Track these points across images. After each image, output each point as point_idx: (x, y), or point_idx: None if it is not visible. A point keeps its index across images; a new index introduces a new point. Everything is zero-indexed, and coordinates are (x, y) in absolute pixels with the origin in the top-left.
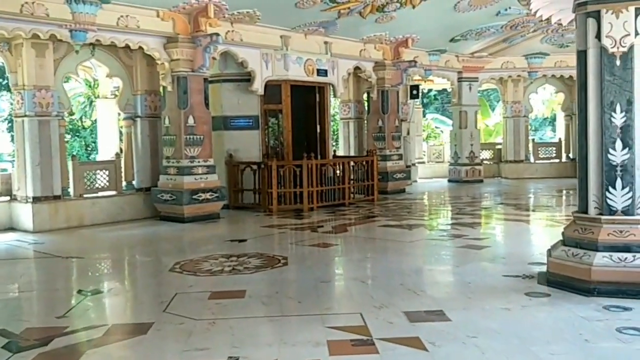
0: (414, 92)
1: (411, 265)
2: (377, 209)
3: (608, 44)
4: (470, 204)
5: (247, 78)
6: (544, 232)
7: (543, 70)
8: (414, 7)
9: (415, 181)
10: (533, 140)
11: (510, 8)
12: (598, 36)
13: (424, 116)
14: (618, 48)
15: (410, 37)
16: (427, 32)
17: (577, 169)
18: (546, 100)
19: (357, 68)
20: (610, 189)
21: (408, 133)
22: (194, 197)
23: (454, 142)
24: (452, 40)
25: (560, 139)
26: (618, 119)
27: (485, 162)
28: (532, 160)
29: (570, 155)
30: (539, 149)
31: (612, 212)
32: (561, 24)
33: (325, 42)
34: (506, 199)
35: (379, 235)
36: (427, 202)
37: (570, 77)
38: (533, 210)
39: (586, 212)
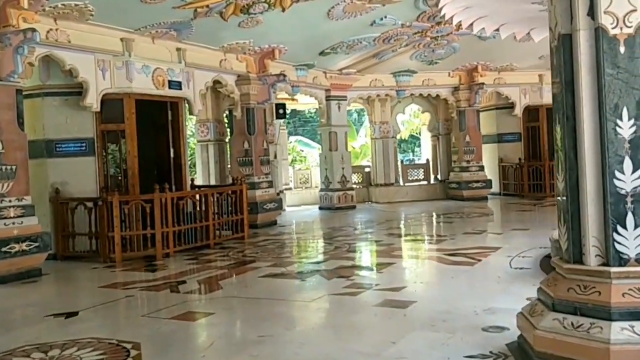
0: (280, 111)
1: (327, 350)
2: (251, 250)
3: (608, 23)
4: (356, 236)
5: (78, 91)
6: (461, 271)
7: (411, 88)
8: (283, 9)
9: (284, 210)
10: (402, 162)
11: (385, 17)
12: (591, 13)
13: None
14: (622, 29)
15: (277, 47)
16: (295, 43)
17: (563, 201)
18: (405, 121)
19: (216, 82)
20: (619, 228)
21: (275, 157)
22: (3, 249)
23: (324, 166)
24: (321, 53)
25: (428, 160)
26: (626, 128)
27: (354, 186)
28: (401, 183)
29: (439, 176)
30: (408, 171)
31: (624, 261)
32: (436, 38)
33: (178, 49)
34: (390, 227)
35: (265, 293)
36: (307, 236)
37: (437, 95)
38: (430, 242)
39: (581, 262)
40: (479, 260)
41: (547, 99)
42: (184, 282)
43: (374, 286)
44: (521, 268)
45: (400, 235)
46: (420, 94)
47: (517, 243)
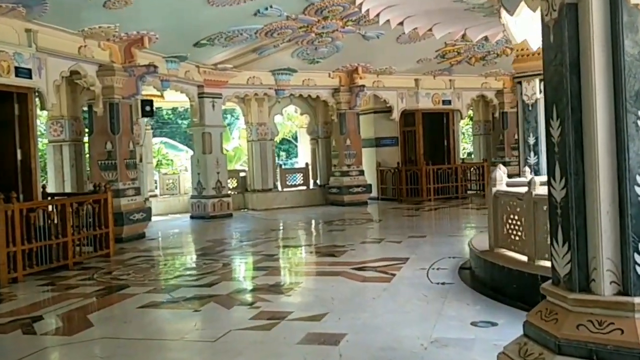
0: (147, 108)
1: None
2: (121, 270)
3: None
4: (244, 250)
5: None
6: (380, 289)
7: (290, 88)
8: None
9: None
10: (280, 166)
11: (271, 7)
12: None
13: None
14: None
15: (148, 34)
16: (168, 31)
17: (561, 214)
18: (279, 124)
19: (74, 72)
20: None
21: (140, 160)
22: None
23: (196, 171)
24: (197, 44)
25: (307, 164)
26: None
27: (230, 192)
28: (280, 188)
29: (318, 181)
30: (287, 175)
31: None
32: (321, 34)
33: (28, 30)
34: (279, 238)
35: (151, 331)
36: (186, 251)
37: (317, 97)
38: (330, 254)
39: (589, 290)
40: (393, 275)
41: (423, 103)
42: (39, 318)
43: (287, 315)
44: (443, 283)
45: (294, 248)
46: (300, 95)
47: (423, 252)
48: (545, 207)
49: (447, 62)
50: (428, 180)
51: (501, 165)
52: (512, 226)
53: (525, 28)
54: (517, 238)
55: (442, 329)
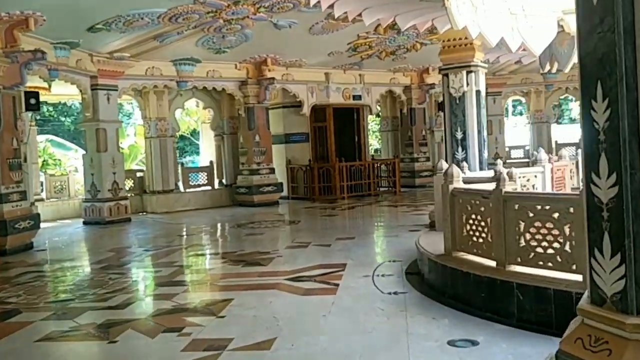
0: (32, 101)
1: None
2: (8, 291)
3: None
4: (155, 260)
5: None
6: (327, 304)
7: (194, 80)
8: None
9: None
10: (182, 165)
11: None
12: None
13: None
14: None
15: (33, 15)
16: (57, 11)
17: (608, 217)
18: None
19: None
20: None
21: (25, 160)
22: None
23: (90, 171)
24: (91, 29)
25: (211, 162)
26: None
27: (127, 195)
28: (182, 189)
29: (224, 181)
30: (190, 175)
31: None
32: (230, 21)
33: None
34: (190, 245)
35: None
36: (85, 263)
37: (223, 90)
38: (255, 263)
39: (627, 311)
40: (336, 285)
41: (334, 98)
42: None
43: (228, 344)
44: (395, 292)
45: (211, 256)
46: (205, 87)
47: (359, 257)
48: (517, 206)
49: (358, 55)
50: (341, 178)
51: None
52: (474, 227)
53: (467, 15)
54: (480, 240)
55: (420, 354)
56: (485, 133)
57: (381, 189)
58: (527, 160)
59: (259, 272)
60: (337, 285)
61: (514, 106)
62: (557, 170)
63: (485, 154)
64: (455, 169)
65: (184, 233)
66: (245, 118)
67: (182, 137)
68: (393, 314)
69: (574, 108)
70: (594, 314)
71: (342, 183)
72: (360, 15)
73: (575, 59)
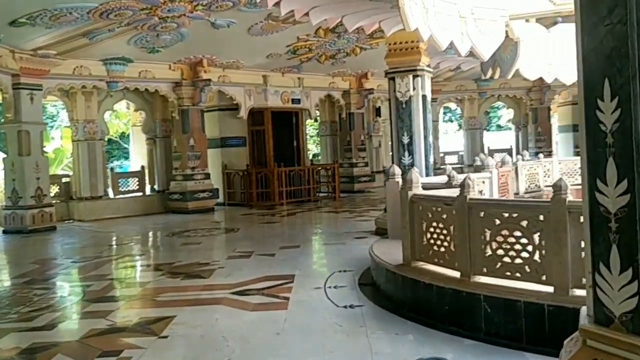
0: None
1: None
2: None
3: None
4: (84, 273)
5: None
6: (279, 320)
7: (125, 81)
8: None
9: None
10: (112, 169)
11: None
12: None
13: None
14: None
15: None
16: None
17: (613, 229)
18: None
19: None
20: None
21: None
22: None
23: (11, 176)
24: (13, 23)
25: (143, 167)
26: None
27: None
28: (111, 195)
29: (157, 187)
30: (119, 180)
31: None
32: (166, 18)
33: None
34: (121, 255)
35: None
36: (4, 277)
37: (156, 91)
38: (196, 275)
39: None
40: (286, 299)
41: (272, 101)
42: None
43: None
44: (351, 306)
45: (146, 268)
46: (136, 88)
47: (307, 267)
48: (482, 214)
49: (298, 58)
50: (280, 183)
51: (415, 168)
52: (435, 236)
53: (418, 17)
54: (442, 250)
55: None
56: (431, 138)
57: (321, 195)
58: (460, 165)
59: (201, 285)
60: (288, 298)
61: (444, 113)
62: (502, 175)
63: (432, 159)
64: (414, 174)
65: (115, 242)
66: (179, 121)
67: (109, 141)
68: (352, 330)
69: (504, 115)
70: (600, 335)
71: (281, 189)
72: (307, 14)
73: (517, 65)
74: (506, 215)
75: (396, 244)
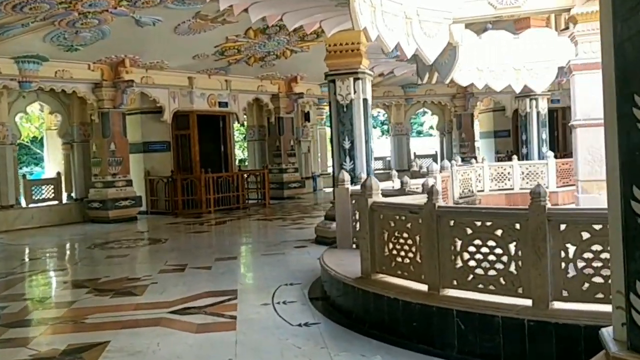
0: None
1: None
2: None
3: None
4: (1, 291)
5: None
6: (229, 343)
7: (39, 80)
8: None
9: None
10: (24, 176)
11: None
12: None
13: None
14: None
15: None
16: None
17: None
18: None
19: None
20: None
21: None
22: None
23: None
24: None
25: (59, 173)
26: None
27: None
28: (24, 204)
29: (74, 194)
30: (33, 188)
31: None
32: (87, 14)
33: None
34: (40, 271)
35: None
36: None
37: (74, 92)
38: (128, 292)
39: None
40: (233, 318)
41: (198, 104)
42: None
43: None
44: (306, 324)
45: (69, 285)
46: (52, 89)
47: (249, 280)
48: (452, 222)
49: (226, 60)
50: (207, 190)
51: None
52: (399, 246)
53: (367, 16)
54: (407, 261)
55: None
56: (372, 143)
57: (250, 202)
58: (387, 171)
59: (134, 304)
60: (234, 317)
61: None
62: (442, 180)
63: (373, 165)
64: (374, 180)
65: (29, 256)
66: (99, 124)
67: (19, 146)
68: (313, 352)
69: (427, 121)
70: None
71: (208, 196)
72: (246, 10)
73: (456, 69)
74: (479, 223)
75: (348, 254)
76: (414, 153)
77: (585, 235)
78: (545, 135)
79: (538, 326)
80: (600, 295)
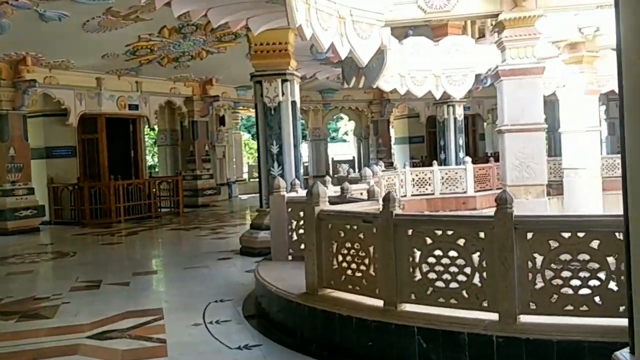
0: None
1: None
2: None
3: None
4: None
5: None
6: None
7: None
8: None
9: None
10: None
11: None
12: None
13: None
14: None
15: None
16: None
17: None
18: None
19: None
20: None
21: None
22: None
23: None
24: None
25: None
26: None
27: None
28: None
29: None
30: None
31: None
32: None
33: None
34: None
35: None
36: None
37: None
38: (38, 315)
39: None
40: (162, 341)
41: (107, 107)
42: None
43: None
44: (246, 346)
45: None
46: None
47: (174, 297)
48: (411, 232)
49: (137, 60)
50: (117, 199)
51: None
52: (350, 258)
53: (302, 14)
54: (359, 274)
55: None
56: (301, 147)
57: (162, 210)
58: (306, 177)
59: (45, 328)
60: (164, 341)
61: None
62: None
63: (302, 170)
64: (321, 187)
65: None
66: None
67: None
68: None
69: (342, 127)
70: None
71: (118, 204)
72: (168, 4)
73: (383, 73)
74: (439, 232)
75: (285, 267)
76: (332, 158)
77: (554, 244)
78: (462, 141)
79: (508, 343)
80: (569, 308)
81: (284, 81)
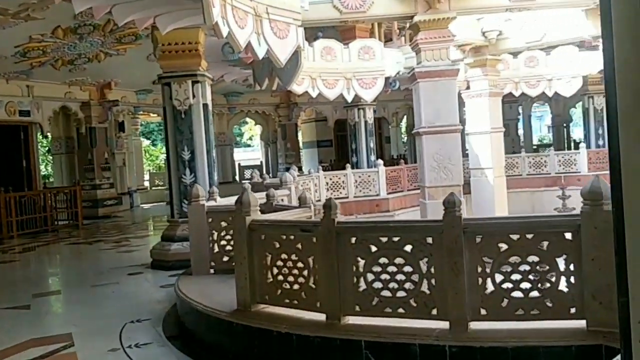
0: None
1: None
2: None
3: None
4: None
5: None
6: None
7: None
8: None
9: None
10: None
11: None
12: None
13: None
14: None
15: None
16: None
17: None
18: None
19: None
20: None
21: None
22: None
23: None
24: None
25: None
26: None
27: None
28: None
29: None
30: None
31: None
32: None
33: None
34: None
35: None
36: None
37: None
38: None
39: None
40: None
41: None
42: None
43: None
44: None
45: None
46: None
47: (84, 320)
48: (354, 240)
49: (28, 62)
50: (8, 212)
51: (249, 185)
52: (287, 271)
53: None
54: (296, 287)
55: None
56: (214, 153)
57: (60, 223)
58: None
59: None
60: None
61: None
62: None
63: (216, 177)
64: (252, 195)
65: None
66: None
67: None
68: None
69: (246, 132)
70: None
71: (10, 218)
72: None
73: (299, 75)
74: (385, 239)
75: (208, 281)
76: (239, 164)
77: (503, 246)
78: (372, 144)
79: (461, 352)
80: (520, 312)
81: (194, 83)
